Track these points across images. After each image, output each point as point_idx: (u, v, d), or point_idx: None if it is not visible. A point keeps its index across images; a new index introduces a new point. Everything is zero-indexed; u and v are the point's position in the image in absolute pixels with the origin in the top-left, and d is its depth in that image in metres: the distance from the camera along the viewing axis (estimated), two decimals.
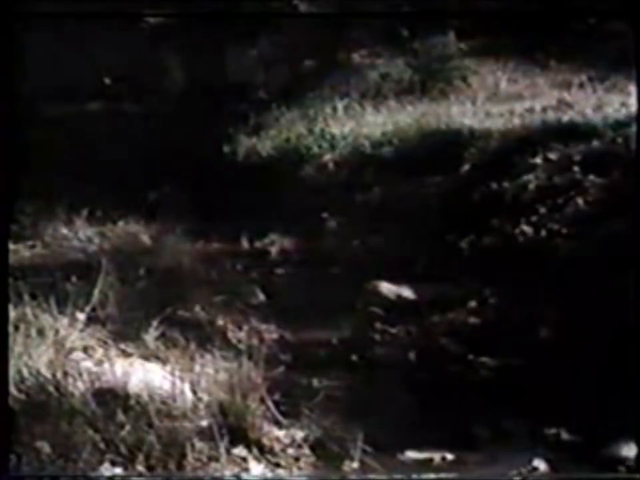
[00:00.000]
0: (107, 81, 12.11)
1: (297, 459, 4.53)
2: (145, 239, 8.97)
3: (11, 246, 6.62)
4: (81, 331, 5.24)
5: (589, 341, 5.53)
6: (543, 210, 8.04)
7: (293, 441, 4.61)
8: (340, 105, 11.11)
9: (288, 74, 12.08)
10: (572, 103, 9.91)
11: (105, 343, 5.32)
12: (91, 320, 5.45)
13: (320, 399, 4.76)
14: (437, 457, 4.67)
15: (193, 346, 5.04)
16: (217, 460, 4.40)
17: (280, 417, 4.70)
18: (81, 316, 5.37)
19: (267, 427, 4.63)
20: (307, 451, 4.55)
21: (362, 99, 11.32)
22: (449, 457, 4.67)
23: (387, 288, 7.07)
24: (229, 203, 9.58)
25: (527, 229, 7.87)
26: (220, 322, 5.81)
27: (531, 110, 9.98)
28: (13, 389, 4.56)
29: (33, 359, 4.79)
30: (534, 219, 7.96)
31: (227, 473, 4.38)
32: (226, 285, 7.54)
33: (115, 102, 12.02)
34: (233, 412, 4.60)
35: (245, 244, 8.90)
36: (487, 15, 11.93)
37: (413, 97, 11.26)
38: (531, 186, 8.41)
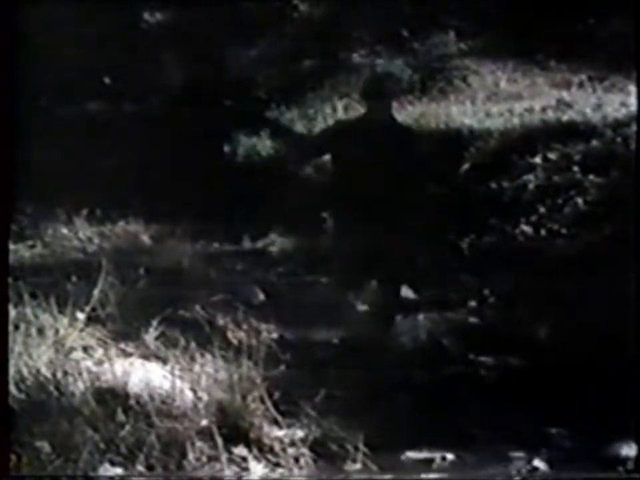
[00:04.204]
0: (107, 80, 12.11)
1: (296, 459, 4.53)
2: (145, 238, 8.97)
3: (11, 246, 6.61)
4: (81, 330, 5.24)
5: (589, 341, 5.53)
6: (542, 210, 8.05)
7: (293, 440, 4.61)
8: (339, 105, 11.11)
9: (288, 74, 12.08)
10: (571, 103, 9.91)
11: (105, 342, 5.32)
12: (91, 320, 5.45)
13: (320, 398, 4.76)
14: (436, 456, 4.67)
15: (192, 346, 5.04)
16: (217, 460, 4.40)
17: (279, 417, 4.70)
18: (81, 316, 5.37)
19: (266, 426, 4.63)
20: (306, 450, 4.55)
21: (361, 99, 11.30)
22: (449, 456, 4.67)
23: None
24: (229, 203, 9.58)
25: (527, 229, 7.87)
26: (220, 322, 5.80)
27: (530, 109, 9.98)
28: (13, 389, 4.56)
29: (33, 358, 4.79)
30: (534, 218, 7.96)
31: (227, 472, 4.39)
32: (226, 284, 7.54)
33: (114, 102, 12.02)
34: (232, 411, 4.61)
35: (245, 244, 8.91)
36: (487, 15, 11.94)
37: (412, 97, 11.26)
38: (531, 186, 8.42)
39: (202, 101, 11.37)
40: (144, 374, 4.87)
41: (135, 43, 12.05)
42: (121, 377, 4.77)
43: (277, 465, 4.51)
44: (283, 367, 5.32)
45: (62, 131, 10.79)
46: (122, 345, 5.35)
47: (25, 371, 4.71)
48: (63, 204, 9.33)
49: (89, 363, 5.02)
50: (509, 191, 8.48)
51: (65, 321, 5.18)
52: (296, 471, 4.47)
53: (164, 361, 5.05)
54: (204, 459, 4.40)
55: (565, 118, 9.41)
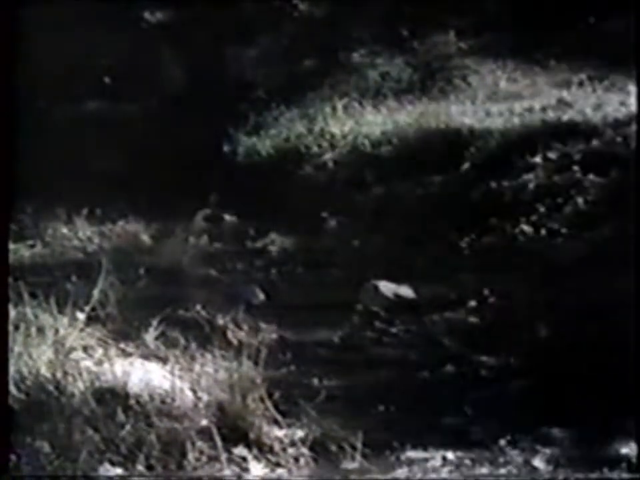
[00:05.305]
0: (107, 80, 12.11)
1: (296, 459, 4.53)
2: (145, 238, 8.97)
3: (11, 246, 6.62)
4: (81, 330, 5.24)
5: (589, 341, 5.53)
6: (542, 209, 8.04)
7: (293, 440, 4.61)
8: (339, 105, 11.10)
9: (288, 74, 12.08)
10: (571, 102, 9.91)
11: (105, 342, 5.32)
12: (91, 319, 5.45)
13: (320, 398, 4.76)
14: (437, 456, 4.66)
15: (193, 346, 5.04)
16: (216, 460, 4.40)
17: (279, 417, 4.70)
18: (81, 315, 5.37)
19: (266, 426, 4.63)
20: (306, 450, 4.55)
21: (361, 98, 11.32)
22: (449, 456, 4.66)
23: (386, 287, 7.07)
24: (230, 203, 9.59)
25: (527, 229, 7.87)
26: (220, 322, 5.81)
27: (530, 109, 9.98)
28: (13, 389, 4.56)
29: (32, 358, 4.79)
30: (534, 218, 7.96)
31: (227, 472, 4.39)
32: (226, 284, 7.54)
33: (114, 102, 12.02)
34: (232, 412, 4.61)
35: (245, 244, 8.91)
36: (487, 15, 11.94)
37: (412, 96, 11.26)
38: (531, 185, 8.42)
39: (202, 100, 11.37)
40: (144, 374, 4.88)
41: (135, 43, 12.05)
42: (121, 377, 4.77)
43: (277, 464, 4.51)
44: (283, 368, 5.32)
45: (62, 131, 10.81)
46: (122, 345, 5.35)
47: (25, 371, 4.71)
48: (63, 204, 9.34)
49: (88, 363, 5.02)
50: (508, 191, 8.48)
51: (65, 320, 5.18)
52: (296, 470, 4.47)
53: (164, 361, 5.05)
54: (204, 458, 4.40)
55: (564, 117, 9.40)
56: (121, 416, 4.44)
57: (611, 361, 5.18)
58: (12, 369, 4.60)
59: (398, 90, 11.57)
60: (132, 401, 4.58)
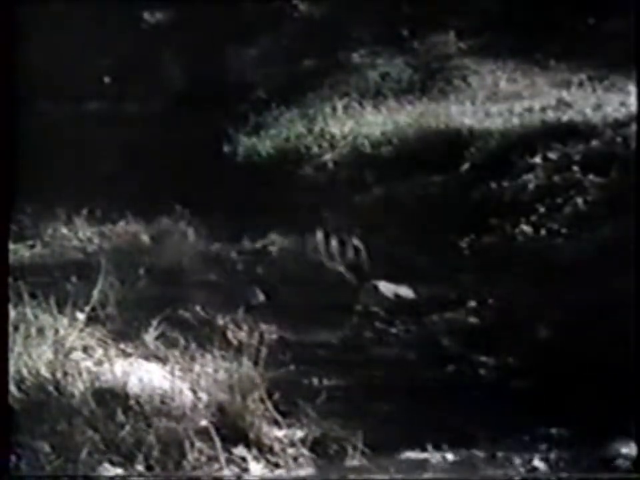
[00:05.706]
0: (107, 80, 12.12)
1: (296, 459, 4.53)
2: (145, 238, 8.97)
3: (11, 246, 6.62)
4: (81, 330, 5.24)
5: (589, 341, 5.53)
6: (542, 209, 8.05)
7: (293, 440, 4.61)
8: (339, 105, 11.11)
9: (288, 74, 12.09)
10: (571, 103, 9.91)
11: (105, 342, 5.32)
12: (90, 320, 5.45)
13: (320, 399, 4.76)
14: (437, 456, 4.66)
15: (193, 346, 5.04)
16: (216, 460, 4.40)
17: (279, 417, 4.70)
18: (81, 316, 5.37)
19: (266, 426, 4.63)
20: (306, 450, 4.55)
21: (362, 99, 11.32)
22: (449, 456, 4.67)
23: (386, 288, 7.07)
24: (229, 203, 9.59)
25: (527, 229, 7.88)
26: (220, 322, 5.81)
27: (530, 109, 9.98)
28: (13, 389, 4.56)
29: (32, 358, 4.79)
30: (534, 218, 7.97)
31: (227, 472, 4.39)
32: (226, 284, 7.54)
33: (114, 102, 12.03)
34: (232, 412, 4.60)
35: (245, 244, 8.91)
36: (487, 15, 11.95)
37: (412, 97, 11.27)
38: (531, 185, 8.42)
39: (202, 100, 11.38)
40: (144, 374, 4.87)
41: (135, 43, 12.06)
42: (121, 377, 4.77)
43: (277, 465, 4.51)
44: (282, 368, 5.32)
45: (62, 131, 10.81)
46: (122, 345, 5.35)
47: (24, 371, 4.70)
48: (63, 204, 9.34)
49: (88, 363, 5.02)
50: (508, 191, 8.48)
51: (65, 321, 5.17)
52: (295, 470, 4.47)
53: (164, 361, 5.04)
54: (203, 458, 4.40)
55: (564, 118, 9.41)
56: (120, 416, 4.43)
57: (611, 361, 5.18)
58: (12, 369, 4.60)
59: (398, 90, 11.57)
60: (132, 401, 4.58)
